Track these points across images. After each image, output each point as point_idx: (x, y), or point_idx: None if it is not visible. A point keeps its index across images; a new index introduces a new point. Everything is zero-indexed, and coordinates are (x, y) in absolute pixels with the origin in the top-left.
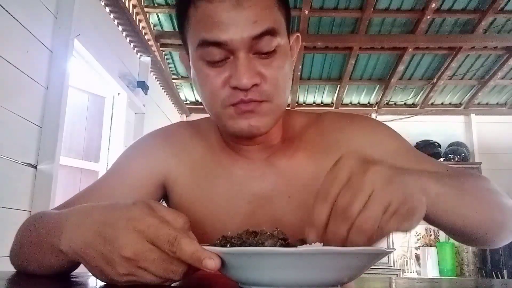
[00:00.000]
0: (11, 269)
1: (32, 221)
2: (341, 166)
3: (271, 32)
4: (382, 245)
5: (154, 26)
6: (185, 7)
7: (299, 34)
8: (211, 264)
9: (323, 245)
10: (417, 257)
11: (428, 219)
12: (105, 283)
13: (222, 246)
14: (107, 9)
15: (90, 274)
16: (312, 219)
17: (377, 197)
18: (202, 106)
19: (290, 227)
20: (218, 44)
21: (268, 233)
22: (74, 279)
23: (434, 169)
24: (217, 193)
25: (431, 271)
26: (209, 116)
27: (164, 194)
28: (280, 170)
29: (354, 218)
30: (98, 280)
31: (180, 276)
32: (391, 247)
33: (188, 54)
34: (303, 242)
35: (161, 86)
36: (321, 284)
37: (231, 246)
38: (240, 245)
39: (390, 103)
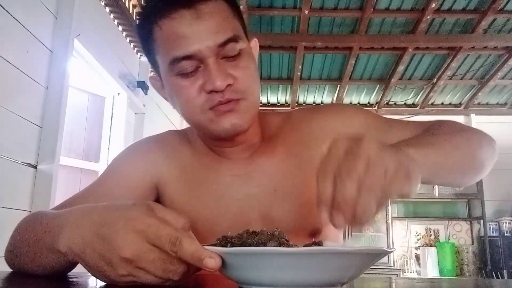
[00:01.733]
0: (7, 269)
1: (30, 221)
2: (335, 146)
3: (233, 39)
4: (382, 245)
5: None
6: (148, 30)
7: (256, 39)
8: (212, 263)
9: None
10: (417, 257)
11: (422, 181)
12: (105, 283)
13: (222, 246)
14: (107, 9)
15: (89, 274)
16: (319, 196)
17: (376, 161)
18: None
19: (278, 220)
20: (188, 57)
21: (268, 233)
22: (74, 279)
23: (406, 131)
24: (206, 195)
25: (431, 271)
26: None
27: (157, 197)
28: (263, 166)
29: (362, 177)
30: (97, 280)
31: (180, 276)
32: (391, 247)
33: (158, 74)
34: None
35: None
36: (321, 284)
37: (232, 246)
38: (241, 245)
39: (390, 103)
